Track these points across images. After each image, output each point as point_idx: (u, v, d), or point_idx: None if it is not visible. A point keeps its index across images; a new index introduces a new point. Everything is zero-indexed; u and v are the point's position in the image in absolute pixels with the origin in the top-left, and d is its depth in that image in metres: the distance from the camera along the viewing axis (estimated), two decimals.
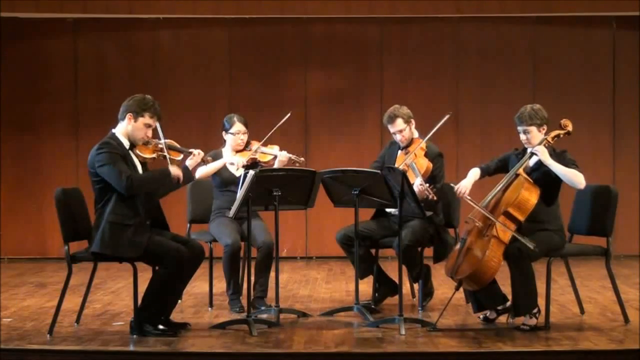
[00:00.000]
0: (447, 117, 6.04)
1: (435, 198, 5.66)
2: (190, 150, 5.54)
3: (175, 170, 5.36)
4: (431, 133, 6.05)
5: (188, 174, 5.53)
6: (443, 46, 9.69)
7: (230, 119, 6.39)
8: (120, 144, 5.31)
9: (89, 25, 9.65)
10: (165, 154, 5.39)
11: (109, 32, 9.70)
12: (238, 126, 6.35)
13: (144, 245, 5.22)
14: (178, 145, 5.51)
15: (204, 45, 9.72)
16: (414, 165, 5.78)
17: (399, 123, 6.10)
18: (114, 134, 5.36)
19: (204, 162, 5.62)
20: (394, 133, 6.14)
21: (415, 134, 6.19)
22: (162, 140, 5.42)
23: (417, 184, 5.65)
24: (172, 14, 9.52)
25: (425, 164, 5.96)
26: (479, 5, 9.45)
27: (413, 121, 6.15)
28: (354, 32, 9.70)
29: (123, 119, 5.35)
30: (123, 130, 5.36)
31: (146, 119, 5.33)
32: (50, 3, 9.39)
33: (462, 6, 9.47)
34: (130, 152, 5.36)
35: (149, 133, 5.39)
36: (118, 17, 9.56)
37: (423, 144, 6.06)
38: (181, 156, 5.51)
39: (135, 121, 5.32)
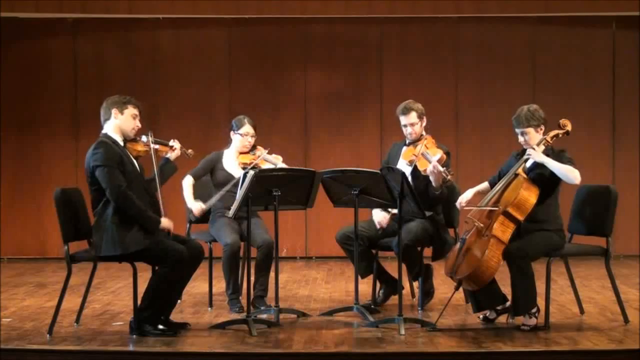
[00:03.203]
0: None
1: (451, 181, 5.71)
2: (170, 144, 5.63)
3: (166, 223, 5.39)
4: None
5: (171, 166, 5.61)
6: (443, 46, 9.69)
7: (240, 120, 6.39)
8: (115, 141, 5.36)
9: (88, 25, 9.65)
10: (152, 146, 5.49)
11: (109, 32, 9.70)
12: (247, 128, 6.35)
13: (152, 238, 5.23)
14: (160, 139, 5.62)
15: (204, 45, 9.72)
16: (427, 152, 5.82)
17: (413, 116, 6.13)
18: (106, 133, 5.42)
19: (185, 153, 5.69)
20: (405, 125, 6.15)
21: (423, 133, 6.21)
22: (150, 138, 5.51)
23: (431, 167, 5.70)
24: (172, 14, 9.52)
25: (439, 152, 5.96)
26: (479, 5, 9.46)
27: (425, 119, 6.18)
28: (353, 32, 9.70)
29: (109, 117, 5.44)
30: (113, 126, 5.42)
31: (131, 109, 5.45)
32: (50, 3, 9.39)
33: (461, 6, 9.47)
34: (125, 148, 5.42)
35: (138, 123, 5.49)
36: (118, 17, 9.56)
37: (432, 139, 6.11)
38: (166, 149, 5.63)
39: (122, 114, 5.42)
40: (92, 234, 5.37)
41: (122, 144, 5.40)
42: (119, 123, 5.41)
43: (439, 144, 6.15)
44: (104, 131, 5.42)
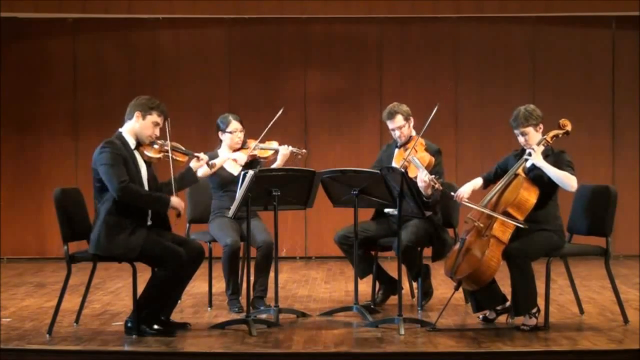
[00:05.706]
0: (436, 108, 5.94)
1: (441, 187, 5.65)
2: (196, 154, 5.56)
3: (176, 202, 5.35)
4: (425, 126, 6.02)
5: (192, 175, 5.58)
6: (442, 46, 9.69)
7: (225, 118, 6.38)
8: (126, 143, 5.33)
9: (88, 25, 9.65)
10: (170, 155, 5.39)
11: (109, 32, 9.70)
12: (234, 124, 6.34)
13: (139, 247, 5.21)
14: (183, 148, 5.52)
15: (203, 45, 9.72)
16: (416, 159, 5.79)
17: (399, 119, 6.11)
18: (120, 133, 5.38)
19: (208, 166, 5.63)
20: (393, 129, 6.15)
21: (413, 133, 6.20)
22: (168, 142, 5.42)
23: (421, 176, 5.65)
24: (172, 14, 9.53)
25: (427, 157, 5.94)
26: (479, 5, 9.46)
27: (412, 119, 6.16)
28: (353, 32, 9.70)
29: (131, 117, 5.38)
30: (130, 128, 5.38)
31: (154, 117, 5.38)
32: (50, 3, 9.39)
33: (461, 6, 9.47)
34: (136, 151, 5.37)
35: (157, 132, 5.42)
36: (117, 17, 9.56)
37: (422, 140, 6.07)
38: (186, 158, 5.53)
39: (143, 119, 5.36)
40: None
41: (133, 146, 5.36)
42: (137, 127, 5.36)
43: (429, 143, 6.12)
44: (120, 129, 5.39)
